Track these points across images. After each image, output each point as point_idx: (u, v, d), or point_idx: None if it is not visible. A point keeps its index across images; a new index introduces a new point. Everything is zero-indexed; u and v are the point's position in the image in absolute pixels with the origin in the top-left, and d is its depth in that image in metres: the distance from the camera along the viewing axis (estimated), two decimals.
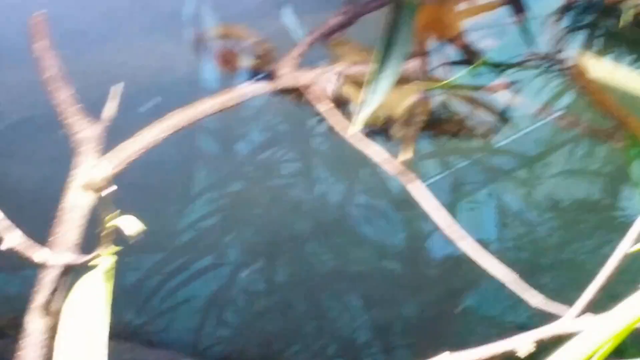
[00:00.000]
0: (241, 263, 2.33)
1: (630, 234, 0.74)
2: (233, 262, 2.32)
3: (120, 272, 1.03)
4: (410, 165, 1.32)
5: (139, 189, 2.33)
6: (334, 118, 1.33)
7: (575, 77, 1.41)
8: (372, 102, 1.17)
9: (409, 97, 1.35)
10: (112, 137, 1.44)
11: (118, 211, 0.93)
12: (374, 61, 1.20)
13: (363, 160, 2.31)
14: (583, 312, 0.77)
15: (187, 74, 2.08)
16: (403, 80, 1.35)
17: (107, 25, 2.06)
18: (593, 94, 1.42)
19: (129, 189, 1.18)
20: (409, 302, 2.63)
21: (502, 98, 1.45)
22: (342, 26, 1.38)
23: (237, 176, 2.31)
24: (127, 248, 0.99)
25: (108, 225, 0.93)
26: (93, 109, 1.50)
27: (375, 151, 1.26)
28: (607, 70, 1.66)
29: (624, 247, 0.73)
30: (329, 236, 2.42)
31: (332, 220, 2.40)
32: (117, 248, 0.95)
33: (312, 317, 2.44)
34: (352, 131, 1.19)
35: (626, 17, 1.40)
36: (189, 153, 2.25)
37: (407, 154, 1.30)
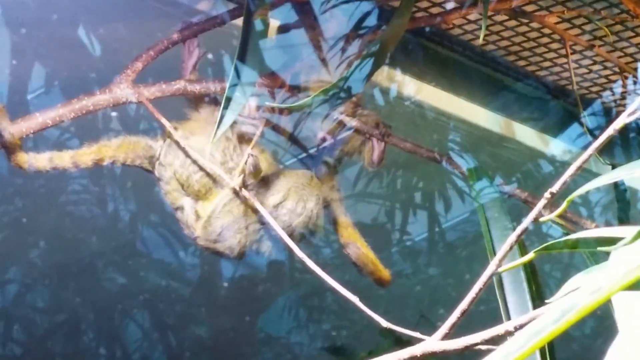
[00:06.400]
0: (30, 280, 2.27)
1: (497, 257, 0.75)
2: (21, 280, 2.25)
3: None
4: None
5: None
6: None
7: (354, 104, 1.49)
8: (228, 118, 1.22)
9: None
10: None
11: None
12: (229, 80, 1.24)
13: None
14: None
15: None
16: None
17: None
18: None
19: None
20: (203, 323, 2.64)
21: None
22: (176, 44, 1.41)
23: (24, 192, 2.22)
24: None
25: None
26: None
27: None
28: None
29: (490, 270, 0.74)
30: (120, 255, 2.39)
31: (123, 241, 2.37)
32: None
33: (102, 337, 2.40)
34: (215, 139, 1.23)
35: None
36: None
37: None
